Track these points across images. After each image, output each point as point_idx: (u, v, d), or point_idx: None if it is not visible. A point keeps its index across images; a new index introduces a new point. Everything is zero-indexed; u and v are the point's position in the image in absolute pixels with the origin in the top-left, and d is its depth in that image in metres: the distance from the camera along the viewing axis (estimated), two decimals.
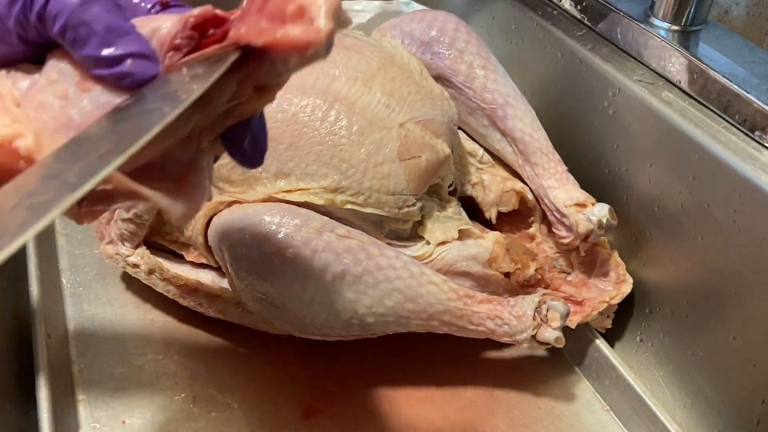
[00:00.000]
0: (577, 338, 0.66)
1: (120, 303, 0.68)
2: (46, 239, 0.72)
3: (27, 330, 0.61)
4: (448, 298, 0.58)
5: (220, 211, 0.60)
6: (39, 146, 0.30)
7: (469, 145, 0.70)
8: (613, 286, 0.65)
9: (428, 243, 0.62)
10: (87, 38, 0.31)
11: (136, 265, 0.64)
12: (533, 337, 0.58)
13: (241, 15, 0.32)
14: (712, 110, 0.59)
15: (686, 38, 0.64)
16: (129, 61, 0.31)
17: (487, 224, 0.69)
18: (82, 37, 0.31)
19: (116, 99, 0.32)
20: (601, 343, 0.65)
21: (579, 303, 0.65)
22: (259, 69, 0.31)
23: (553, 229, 0.67)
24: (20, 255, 0.68)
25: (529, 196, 0.69)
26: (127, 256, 0.64)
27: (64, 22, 0.31)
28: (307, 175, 0.58)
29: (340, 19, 0.30)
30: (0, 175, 0.30)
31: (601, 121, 0.68)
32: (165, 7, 0.35)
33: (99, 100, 0.32)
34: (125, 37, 0.31)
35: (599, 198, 0.65)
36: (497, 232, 0.66)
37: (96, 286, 0.69)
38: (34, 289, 0.64)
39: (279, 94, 0.59)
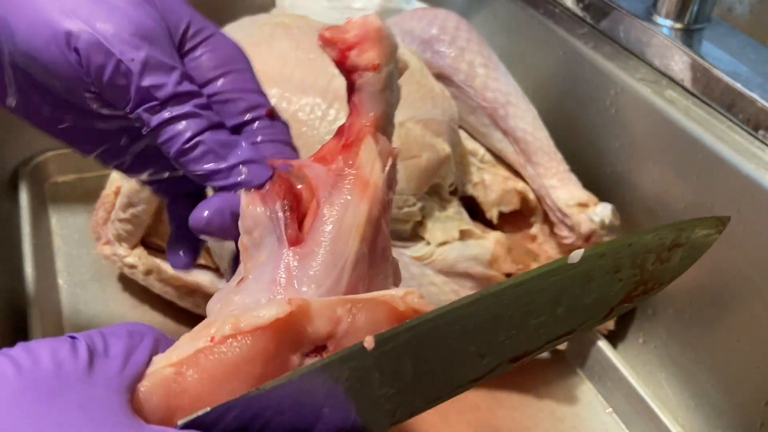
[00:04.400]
0: (580, 340, 0.65)
1: (117, 304, 0.67)
2: (43, 239, 0.71)
3: (23, 331, 0.61)
4: (449, 300, 0.57)
5: None
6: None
7: (470, 144, 0.70)
8: None
9: (429, 243, 0.62)
10: (202, 156, 0.33)
11: (133, 266, 0.64)
12: None
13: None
14: (715, 109, 0.59)
15: (689, 36, 0.63)
16: (243, 168, 0.33)
17: (489, 224, 0.68)
18: (197, 156, 0.33)
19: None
20: (603, 344, 0.65)
21: None
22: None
23: (555, 230, 0.66)
24: (17, 256, 0.68)
25: (531, 195, 0.68)
26: (125, 256, 0.64)
27: (179, 147, 0.33)
28: None
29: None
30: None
31: (604, 120, 0.67)
32: (271, 116, 0.36)
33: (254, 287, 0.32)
34: (236, 149, 0.33)
35: (601, 198, 0.64)
36: (498, 233, 0.65)
37: (93, 287, 0.68)
38: (31, 289, 0.63)
39: (278, 93, 0.59)
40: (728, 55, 0.61)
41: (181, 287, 0.63)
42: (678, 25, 0.64)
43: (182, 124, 0.33)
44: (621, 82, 0.65)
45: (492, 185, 0.68)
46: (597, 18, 0.71)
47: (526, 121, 0.67)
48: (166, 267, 0.63)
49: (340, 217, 0.32)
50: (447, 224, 0.63)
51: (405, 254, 0.59)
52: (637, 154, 0.64)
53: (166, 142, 0.33)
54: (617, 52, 0.67)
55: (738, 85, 0.57)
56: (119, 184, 0.63)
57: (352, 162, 0.32)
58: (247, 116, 0.36)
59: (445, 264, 0.61)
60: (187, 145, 0.33)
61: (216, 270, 0.63)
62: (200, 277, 0.64)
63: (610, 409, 0.64)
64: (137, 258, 0.63)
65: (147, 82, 0.32)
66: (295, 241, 0.32)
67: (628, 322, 0.67)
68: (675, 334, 0.62)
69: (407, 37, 0.69)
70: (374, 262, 0.33)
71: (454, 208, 0.64)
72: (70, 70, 0.33)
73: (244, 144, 0.34)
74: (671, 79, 0.63)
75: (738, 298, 0.56)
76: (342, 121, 0.58)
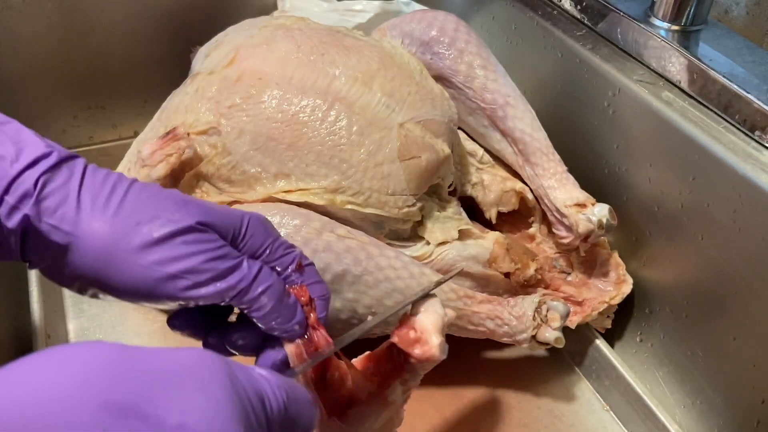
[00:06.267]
0: (577, 338, 0.66)
1: (120, 303, 0.67)
2: None
3: (27, 330, 0.61)
4: (448, 299, 0.58)
5: None
6: None
7: (469, 145, 0.70)
8: (613, 287, 0.65)
9: (428, 243, 0.62)
10: (276, 318, 0.43)
11: None
12: (533, 337, 0.58)
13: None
14: (712, 110, 0.59)
15: (686, 38, 0.64)
16: (296, 327, 0.43)
17: (487, 224, 0.69)
18: (273, 318, 0.42)
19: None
20: (601, 343, 0.65)
21: (579, 303, 0.65)
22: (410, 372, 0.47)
23: (553, 230, 0.67)
24: None
25: (529, 196, 0.69)
26: None
27: (263, 314, 0.42)
28: (307, 175, 0.58)
29: (445, 329, 0.46)
30: None
31: (601, 121, 0.68)
32: (300, 269, 0.45)
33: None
34: (295, 311, 0.44)
35: (599, 198, 0.65)
36: (497, 233, 0.65)
37: None
38: (34, 289, 0.64)
39: (279, 94, 0.60)
40: (725, 57, 0.61)
41: None
42: (675, 27, 0.65)
43: (264, 299, 0.42)
44: (619, 83, 0.65)
45: (491, 185, 0.69)
46: (595, 20, 0.71)
47: (525, 122, 0.67)
48: None
49: (368, 420, 0.46)
50: (446, 224, 0.63)
51: (405, 254, 0.60)
52: (635, 155, 0.64)
53: (254, 312, 0.42)
54: (615, 54, 0.68)
55: (734, 87, 0.58)
56: None
57: (384, 393, 0.46)
58: (289, 269, 0.44)
59: (445, 263, 0.62)
60: (268, 313, 0.42)
61: None
62: None
63: (608, 407, 0.64)
64: None
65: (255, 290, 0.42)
66: (330, 412, 0.45)
67: (626, 321, 0.67)
68: (672, 332, 0.62)
69: (407, 38, 0.69)
70: None
71: (454, 209, 0.65)
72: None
73: (299, 308, 0.44)
74: (668, 81, 0.63)
75: (735, 297, 0.56)
76: (342, 123, 0.59)
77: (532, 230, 0.70)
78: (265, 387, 0.31)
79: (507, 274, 0.64)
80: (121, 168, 0.66)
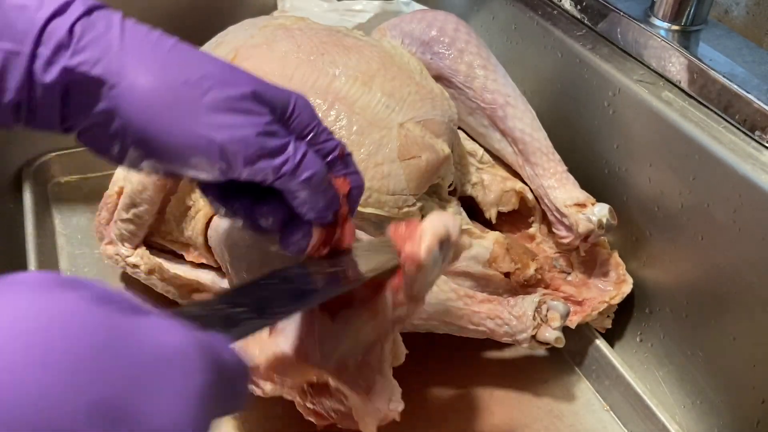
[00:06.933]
0: (577, 338, 0.66)
1: None
2: (47, 239, 0.72)
3: None
4: (448, 298, 0.58)
5: None
6: None
7: (469, 144, 0.70)
8: (613, 286, 0.65)
9: None
10: (314, 206, 0.42)
11: (135, 266, 0.64)
12: (533, 337, 0.58)
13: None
14: (712, 110, 0.60)
15: (686, 38, 0.64)
16: (329, 213, 0.43)
17: (487, 224, 0.69)
18: (312, 204, 0.41)
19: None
20: (601, 343, 0.65)
21: (579, 303, 0.65)
22: (402, 281, 0.44)
23: (553, 229, 0.67)
24: (20, 255, 0.68)
25: (529, 196, 0.69)
26: (127, 256, 0.64)
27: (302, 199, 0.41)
28: None
29: (445, 243, 0.43)
30: None
31: (601, 121, 0.68)
32: (342, 157, 0.43)
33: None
34: (334, 199, 0.43)
35: (599, 198, 0.65)
36: (497, 232, 0.66)
37: None
38: None
39: None
40: (725, 57, 0.61)
41: (183, 286, 0.64)
42: (675, 27, 0.65)
43: (306, 186, 0.40)
44: (618, 83, 0.65)
45: (491, 185, 0.69)
46: (595, 20, 0.71)
47: (525, 122, 0.67)
48: (168, 266, 0.64)
49: (354, 324, 0.46)
50: None
51: None
52: (635, 155, 0.65)
53: (293, 197, 0.41)
54: (615, 54, 0.68)
55: (734, 87, 0.58)
56: (122, 184, 0.64)
57: (375, 300, 0.45)
58: (331, 157, 0.43)
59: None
60: (306, 200, 0.41)
61: (218, 269, 0.64)
62: (202, 276, 0.64)
63: (608, 407, 0.64)
64: (140, 258, 0.64)
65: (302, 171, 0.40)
66: (323, 307, 0.46)
67: (626, 321, 0.67)
68: (672, 332, 0.62)
69: (407, 38, 0.69)
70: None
71: (453, 208, 0.65)
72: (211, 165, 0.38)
73: (337, 200, 0.43)
74: (668, 81, 0.63)
75: (734, 297, 0.56)
76: (342, 123, 0.59)
77: (532, 230, 0.70)
78: (237, 368, 0.28)
79: (507, 274, 0.64)
80: (122, 168, 0.66)
